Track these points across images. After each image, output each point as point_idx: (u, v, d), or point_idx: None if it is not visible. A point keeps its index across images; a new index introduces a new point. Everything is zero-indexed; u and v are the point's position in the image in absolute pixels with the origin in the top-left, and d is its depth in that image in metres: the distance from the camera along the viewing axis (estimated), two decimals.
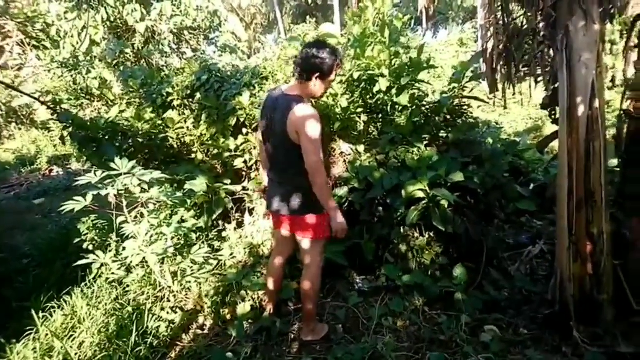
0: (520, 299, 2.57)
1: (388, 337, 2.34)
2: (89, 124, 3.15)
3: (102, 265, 2.83)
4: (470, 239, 2.73)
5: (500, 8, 2.30)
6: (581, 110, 1.94)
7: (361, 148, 3.36)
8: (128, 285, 2.81)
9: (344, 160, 3.46)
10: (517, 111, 10.60)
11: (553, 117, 2.26)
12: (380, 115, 3.56)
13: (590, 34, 1.93)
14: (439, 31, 20.30)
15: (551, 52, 2.14)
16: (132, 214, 2.71)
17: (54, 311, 2.51)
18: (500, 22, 2.33)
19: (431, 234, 2.80)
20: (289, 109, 1.96)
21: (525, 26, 2.30)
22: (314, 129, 1.92)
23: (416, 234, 2.87)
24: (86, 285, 2.77)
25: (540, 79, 2.34)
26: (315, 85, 2.04)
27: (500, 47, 2.35)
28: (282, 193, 2.19)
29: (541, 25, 2.10)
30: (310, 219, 2.15)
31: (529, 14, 2.27)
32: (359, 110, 3.44)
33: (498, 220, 3.09)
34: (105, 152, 3.12)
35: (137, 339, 2.36)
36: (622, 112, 2.06)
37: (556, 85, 2.12)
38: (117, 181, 2.46)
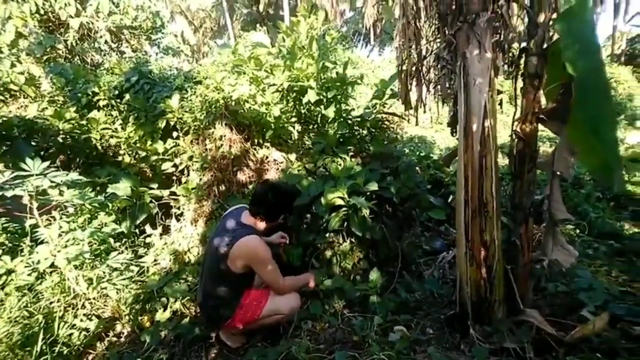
0: (430, 300, 2.76)
1: (305, 339, 2.41)
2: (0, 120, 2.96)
3: (11, 271, 2.66)
4: (387, 244, 2.91)
5: (412, 33, 2.52)
6: (475, 128, 2.17)
7: (293, 156, 3.47)
8: (41, 293, 2.65)
9: (277, 168, 3.54)
10: None
11: (455, 134, 2.49)
12: (314, 126, 3.69)
13: (484, 61, 2.18)
14: (384, 49, 21.11)
15: (452, 75, 2.38)
16: (43, 217, 2.58)
17: None
18: (413, 46, 2.55)
19: (352, 240, 2.94)
20: None
21: (434, 51, 2.54)
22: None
23: (340, 240, 2.99)
24: None
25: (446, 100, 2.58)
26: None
27: (413, 69, 2.57)
28: None
29: (444, 51, 2.33)
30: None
31: (437, 40, 2.50)
32: (293, 120, 3.55)
33: (415, 227, 3.31)
34: (19, 152, 2.94)
35: (44, 347, 2.25)
36: (512, 133, 2.33)
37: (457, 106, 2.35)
38: (27, 182, 2.34)
